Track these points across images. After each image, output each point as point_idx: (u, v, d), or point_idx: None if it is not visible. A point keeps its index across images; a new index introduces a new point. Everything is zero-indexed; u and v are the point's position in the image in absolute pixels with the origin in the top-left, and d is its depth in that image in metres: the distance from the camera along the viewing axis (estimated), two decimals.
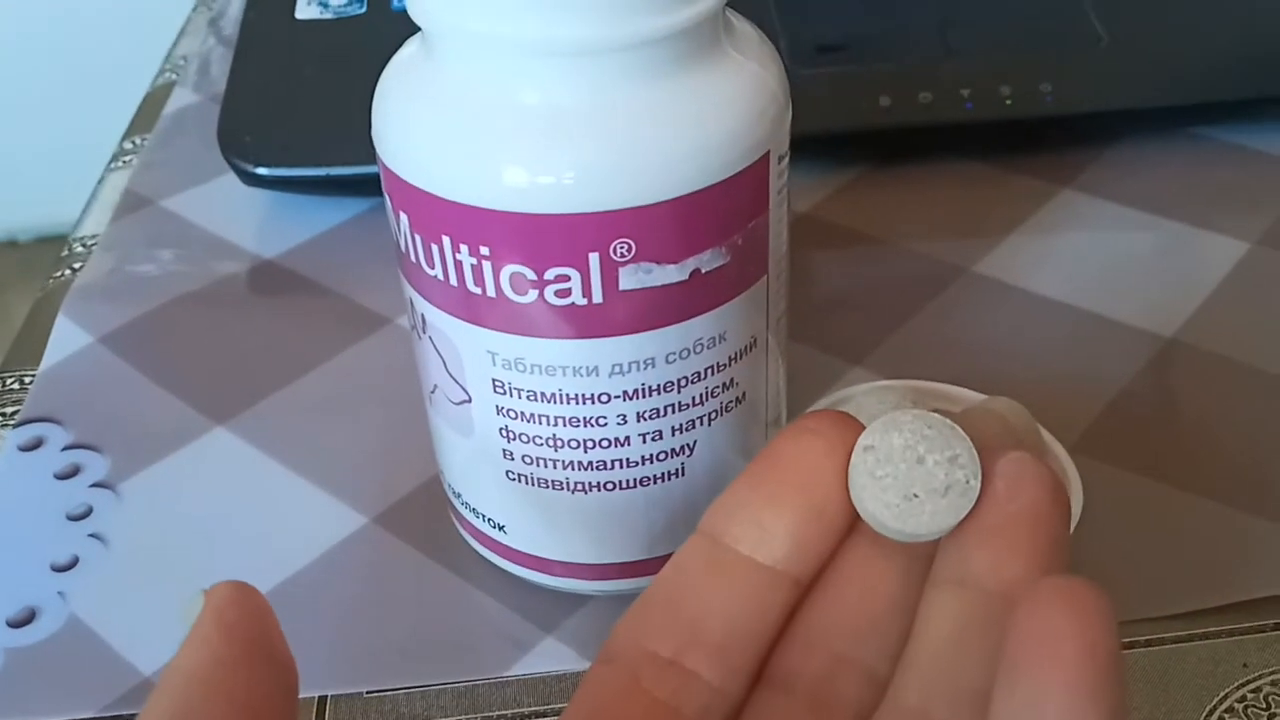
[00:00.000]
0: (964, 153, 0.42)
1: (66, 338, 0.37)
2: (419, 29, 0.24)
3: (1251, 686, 0.25)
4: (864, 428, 0.20)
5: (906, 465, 0.19)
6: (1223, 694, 0.25)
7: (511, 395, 0.24)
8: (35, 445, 0.33)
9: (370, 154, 0.39)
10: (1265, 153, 0.42)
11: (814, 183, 0.42)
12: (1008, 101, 0.41)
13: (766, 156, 0.23)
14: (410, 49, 0.24)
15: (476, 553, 0.28)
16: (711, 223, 0.22)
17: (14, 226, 1.65)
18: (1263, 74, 0.41)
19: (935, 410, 0.20)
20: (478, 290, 0.23)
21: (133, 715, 0.26)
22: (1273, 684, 0.25)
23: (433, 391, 0.26)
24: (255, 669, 0.16)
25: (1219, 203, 0.39)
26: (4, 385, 0.36)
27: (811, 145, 0.40)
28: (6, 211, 1.63)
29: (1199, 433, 0.31)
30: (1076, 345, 0.34)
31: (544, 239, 0.22)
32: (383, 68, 0.25)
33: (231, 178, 0.42)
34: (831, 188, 0.42)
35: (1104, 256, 0.38)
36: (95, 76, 1.47)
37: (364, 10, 0.45)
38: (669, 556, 0.26)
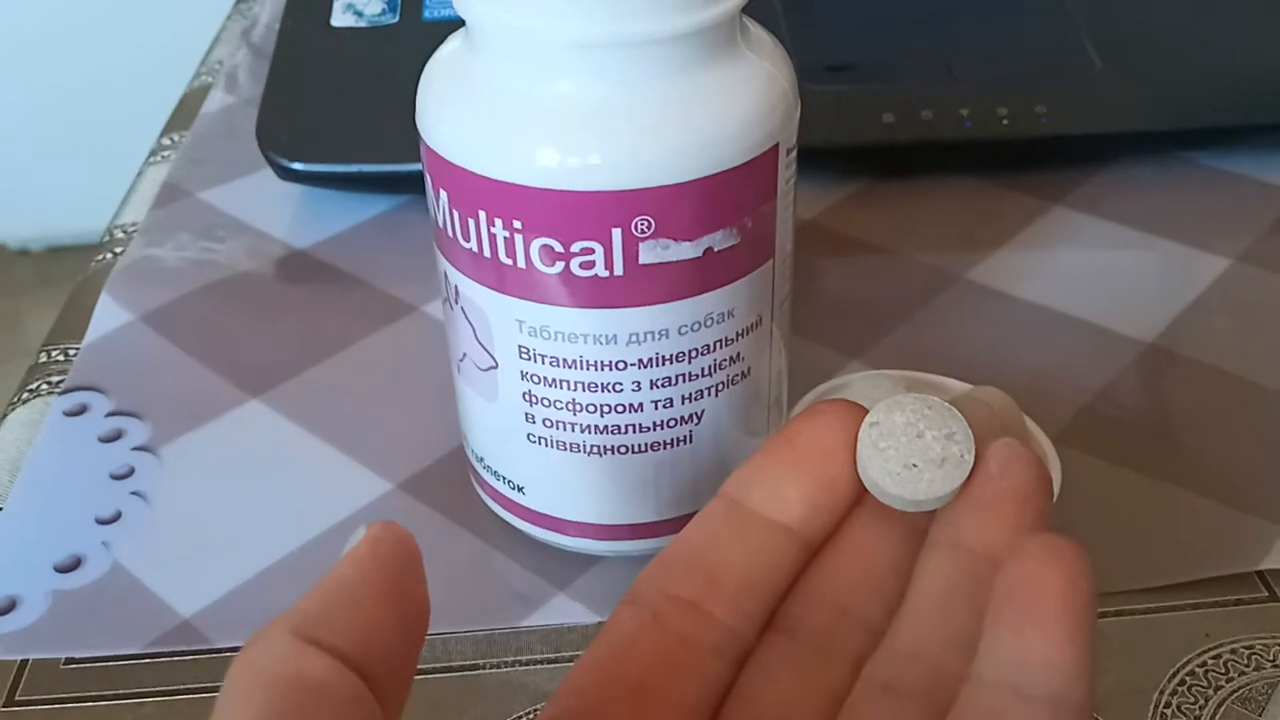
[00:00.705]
0: (962, 169, 0.45)
1: (109, 315, 0.39)
2: (449, 36, 0.26)
3: (1212, 654, 0.27)
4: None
5: (907, 439, 0.21)
6: (1186, 660, 0.27)
7: (536, 361, 0.26)
8: (80, 411, 0.35)
9: (398, 153, 0.42)
10: (1247, 177, 0.44)
11: (819, 193, 0.44)
12: (1005, 122, 0.43)
13: (776, 148, 0.25)
14: (454, 43, 0.27)
15: (495, 516, 0.30)
16: (725, 205, 0.25)
17: (26, 236, 1.68)
18: (1246, 103, 0.44)
19: None
20: (509, 262, 0.25)
21: (172, 653, 0.28)
22: (1231, 652, 0.27)
23: (461, 360, 0.28)
24: (392, 600, 0.18)
25: (1202, 222, 0.42)
26: (49, 357, 0.38)
27: (818, 158, 0.42)
28: (19, 221, 1.65)
29: (1173, 428, 0.33)
30: (1062, 348, 0.36)
31: (572, 214, 0.24)
32: (414, 73, 0.27)
33: (264, 174, 0.44)
34: (836, 198, 0.44)
35: (1092, 268, 0.40)
36: (108, 93, 1.50)
37: (396, 20, 0.47)
38: (675, 521, 0.28)
